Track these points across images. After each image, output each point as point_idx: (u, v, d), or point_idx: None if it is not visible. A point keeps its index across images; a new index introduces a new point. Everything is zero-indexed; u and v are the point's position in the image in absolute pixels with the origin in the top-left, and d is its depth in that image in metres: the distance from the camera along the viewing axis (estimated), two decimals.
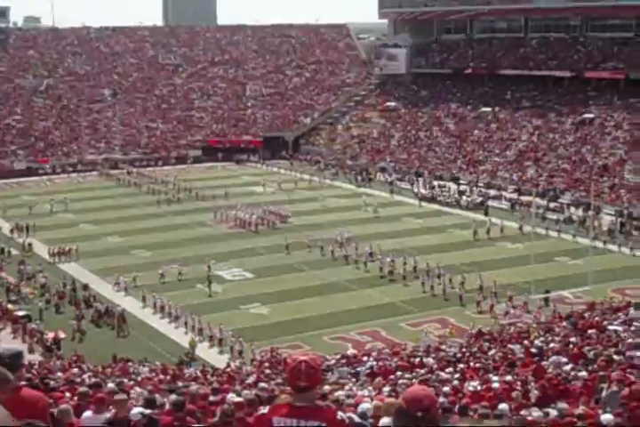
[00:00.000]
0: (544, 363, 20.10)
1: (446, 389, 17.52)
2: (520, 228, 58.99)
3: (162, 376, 27.47)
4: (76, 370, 25.25)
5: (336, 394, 16.03)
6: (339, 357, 33.02)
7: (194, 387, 15.91)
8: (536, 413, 12.96)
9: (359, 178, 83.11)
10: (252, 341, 38.80)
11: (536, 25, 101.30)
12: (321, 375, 5.53)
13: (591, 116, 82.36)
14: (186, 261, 52.32)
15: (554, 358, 20.08)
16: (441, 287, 46.26)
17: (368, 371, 27.01)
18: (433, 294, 46.02)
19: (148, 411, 9.46)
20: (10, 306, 44.41)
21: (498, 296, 44.23)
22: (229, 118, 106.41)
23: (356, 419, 9.01)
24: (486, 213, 65.29)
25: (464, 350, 29.23)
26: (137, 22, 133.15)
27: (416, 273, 48.51)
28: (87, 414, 9.28)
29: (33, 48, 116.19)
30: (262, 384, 18.47)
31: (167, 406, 10.43)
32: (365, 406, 10.65)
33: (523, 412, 13.38)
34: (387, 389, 20.04)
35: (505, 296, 44.13)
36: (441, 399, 14.80)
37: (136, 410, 9.36)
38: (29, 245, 57.36)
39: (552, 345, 23.22)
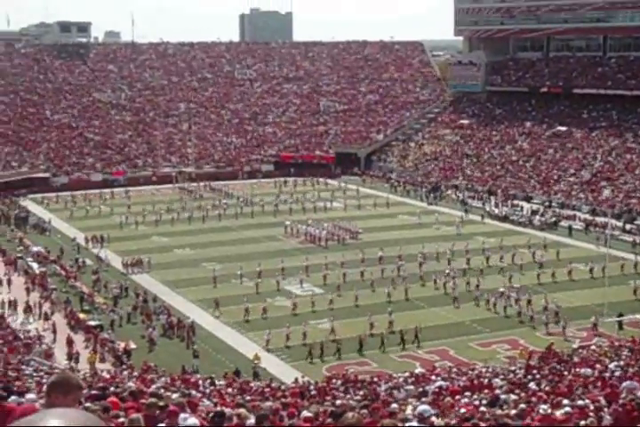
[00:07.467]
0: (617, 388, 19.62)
1: (513, 411, 17.24)
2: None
3: (229, 390, 27.59)
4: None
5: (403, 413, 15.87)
6: (407, 375, 32.76)
7: (268, 403, 15.94)
8: None
9: (430, 195, 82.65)
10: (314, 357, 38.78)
11: (615, 44, 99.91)
12: None
13: None
14: (255, 274, 52.56)
15: (627, 383, 19.58)
16: (512, 308, 45.63)
17: (436, 390, 26.71)
18: (505, 316, 45.39)
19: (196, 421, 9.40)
20: (82, 315, 45.21)
21: (569, 318, 43.54)
22: (302, 134, 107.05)
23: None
24: (570, 234, 65.03)
25: (534, 371, 28.73)
26: (214, 38, 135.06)
27: (480, 292, 48.04)
28: None
29: (112, 62, 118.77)
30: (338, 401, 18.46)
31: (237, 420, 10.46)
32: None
33: None
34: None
35: (577, 318, 43.39)
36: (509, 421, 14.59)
37: (191, 421, 9.37)
38: (98, 255, 58.18)
39: (625, 370, 22.68)
